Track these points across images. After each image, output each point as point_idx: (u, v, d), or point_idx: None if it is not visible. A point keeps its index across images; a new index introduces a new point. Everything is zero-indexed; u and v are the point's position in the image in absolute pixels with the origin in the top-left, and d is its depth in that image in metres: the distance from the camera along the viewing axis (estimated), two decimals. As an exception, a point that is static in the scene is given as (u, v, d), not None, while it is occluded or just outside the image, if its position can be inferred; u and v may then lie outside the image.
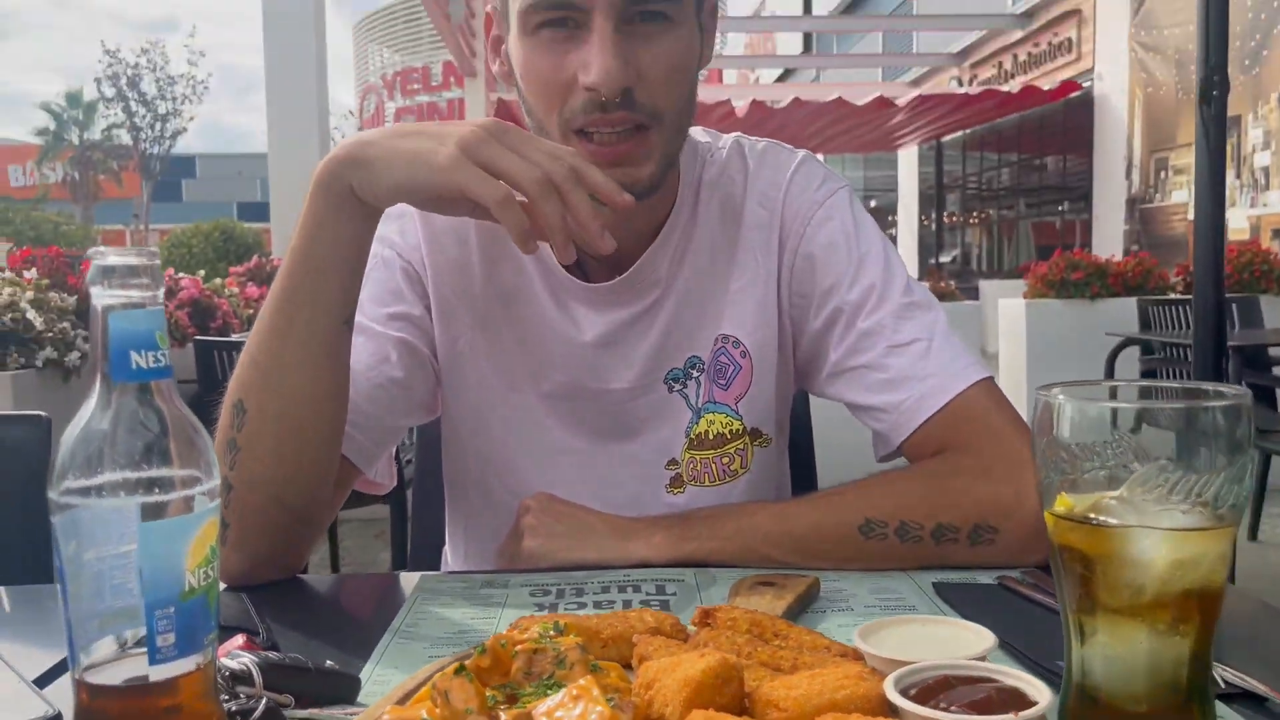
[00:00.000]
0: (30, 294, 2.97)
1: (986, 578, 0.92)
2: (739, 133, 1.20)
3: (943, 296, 7.23)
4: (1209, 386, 0.58)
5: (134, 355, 0.54)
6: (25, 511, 1.14)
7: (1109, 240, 11.17)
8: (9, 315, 2.83)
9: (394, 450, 1.13)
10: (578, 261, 1.11)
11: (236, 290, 4.91)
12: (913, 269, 12.97)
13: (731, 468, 1.13)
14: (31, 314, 2.88)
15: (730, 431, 1.12)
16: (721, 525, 0.98)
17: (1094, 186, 12.31)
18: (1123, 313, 5.28)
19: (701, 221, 1.12)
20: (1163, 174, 10.84)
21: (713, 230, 1.12)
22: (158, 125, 37.29)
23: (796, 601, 0.82)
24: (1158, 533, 0.55)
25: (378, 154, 0.89)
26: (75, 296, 3.19)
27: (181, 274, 4.50)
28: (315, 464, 0.95)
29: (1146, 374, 4.45)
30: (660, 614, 0.71)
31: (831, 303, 1.08)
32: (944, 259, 18.33)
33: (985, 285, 10.68)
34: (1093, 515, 0.57)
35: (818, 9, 24.84)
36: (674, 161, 1.05)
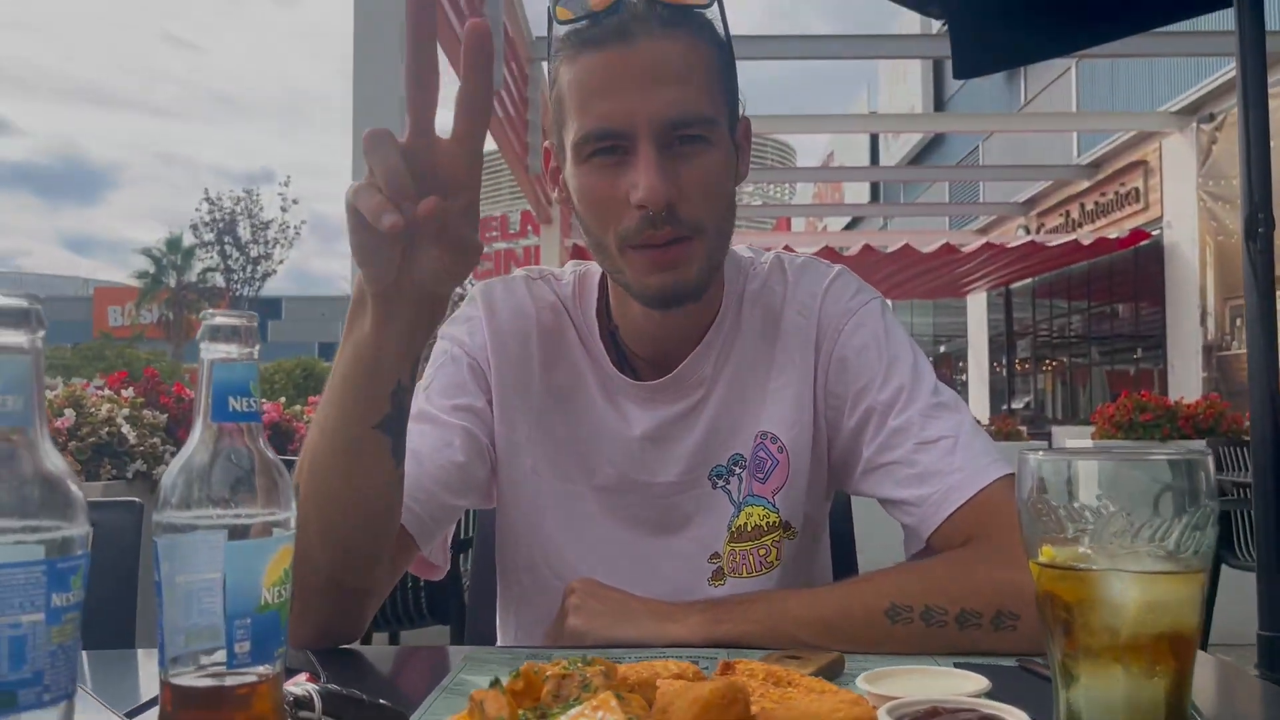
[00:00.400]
0: (126, 410, 3.19)
1: (1008, 661, 0.95)
2: (779, 249, 1.30)
3: (1008, 437, 7.17)
4: (1173, 447, 0.64)
5: (231, 400, 0.64)
6: (117, 586, 1.23)
7: (1187, 387, 10.99)
8: (106, 429, 3.04)
9: (449, 535, 1.21)
10: (629, 362, 1.21)
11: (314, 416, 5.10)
12: (984, 415, 12.87)
13: (768, 559, 1.19)
14: (126, 428, 3.08)
15: (767, 524, 1.19)
16: (754, 609, 1.03)
17: (1168, 334, 12.19)
18: (1195, 455, 5.19)
19: (744, 328, 1.21)
20: (1238, 321, 10.71)
21: (754, 336, 1.21)
22: (249, 268, 39.05)
23: (819, 671, 0.87)
24: (1127, 575, 0.61)
25: None
26: (166, 415, 3.39)
27: (263, 400, 4.71)
28: (363, 550, 1.00)
29: (1220, 515, 4.36)
30: (684, 664, 0.76)
31: (864, 403, 1.16)
32: (1016, 405, 18.11)
33: (1057, 430, 10.55)
34: (1070, 562, 0.63)
35: (885, 160, 25.44)
36: (717, 267, 1.15)
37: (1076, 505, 0.63)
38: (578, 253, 10.51)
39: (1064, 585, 0.63)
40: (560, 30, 1.09)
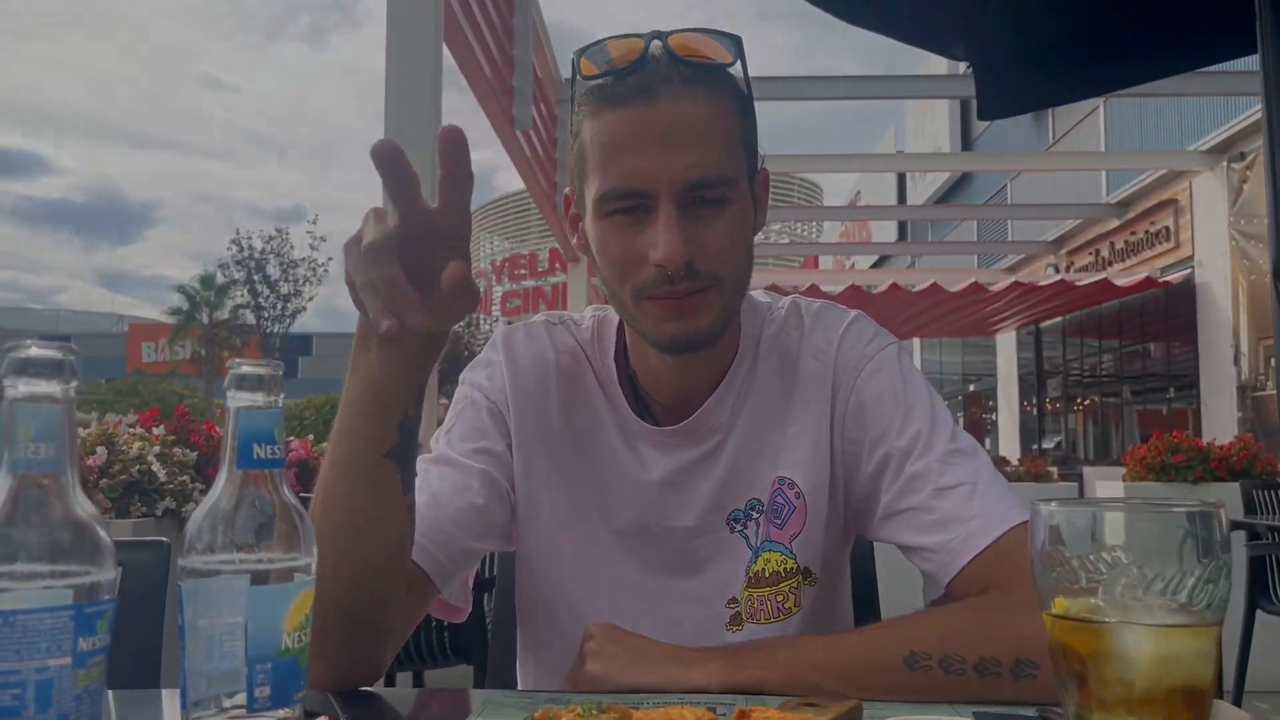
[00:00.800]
0: (157, 448, 3.23)
1: (1028, 711, 0.94)
2: (797, 295, 1.31)
3: (1038, 478, 7.09)
4: (1187, 498, 0.64)
5: (256, 447, 0.66)
6: (144, 626, 1.25)
7: (1221, 428, 10.84)
8: (136, 467, 3.08)
9: (470, 578, 1.22)
10: (647, 407, 1.22)
11: (342, 455, 5.13)
12: (1014, 455, 12.73)
13: (786, 605, 1.18)
14: (156, 466, 3.12)
15: (785, 570, 1.19)
16: (774, 655, 1.03)
17: (1200, 374, 12.06)
18: (1227, 497, 5.12)
19: (761, 373, 1.22)
20: (1272, 361, 10.57)
21: (771, 381, 1.22)
22: (279, 305, 39.43)
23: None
24: (1140, 628, 0.61)
25: None
26: (196, 453, 3.43)
27: (292, 437, 4.76)
28: (376, 584, 1.01)
29: (1254, 560, 4.28)
30: (700, 710, 0.77)
31: (881, 449, 1.16)
32: (1046, 445, 17.93)
33: (1088, 471, 10.42)
34: (1083, 614, 0.63)
35: (912, 199, 25.43)
36: (733, 315, 1.16)
37: (1089, 556, 0.63)
38: (605, 291, 10.55)
39: (1077, 637, 0.63)
40: (584, 84, 1.11)
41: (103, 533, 0.60)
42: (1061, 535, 0.64)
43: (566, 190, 1.21)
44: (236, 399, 0.66)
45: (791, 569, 1.18)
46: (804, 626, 1.18)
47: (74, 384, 0.60)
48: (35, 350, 0.58)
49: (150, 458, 3.17)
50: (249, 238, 39.42)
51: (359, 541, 0.98)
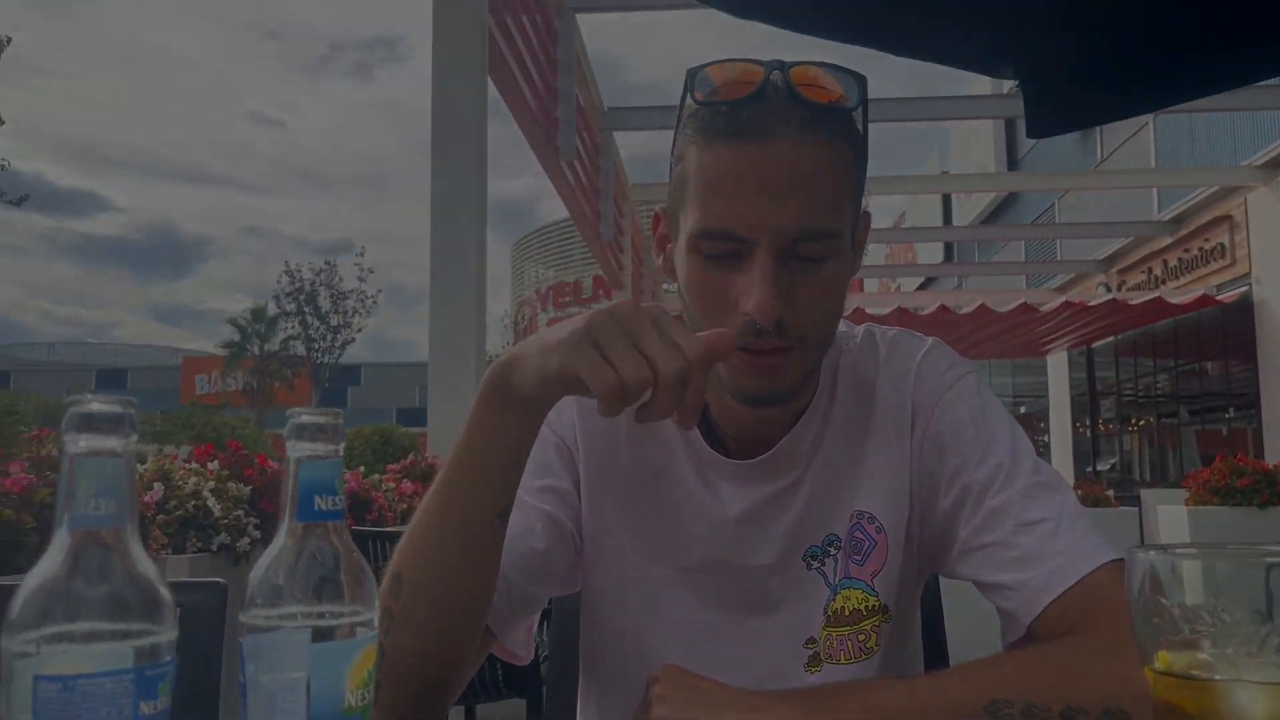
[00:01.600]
0: (212, 483, 3.26)
1: (1116, 762, 0.90)
2: (870, 323, 1.28)
3: (1095, 503, 6.94)
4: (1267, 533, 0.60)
5: (317, 499, 0.64)
6: (201, 668, 1.24)
7: (1283, 448, 10.57)
8: (192, 503, 3.11)
9: (534, 626, 1.19)
10: (718, 438, 1.18)
11: (393, 485, 5.16)
12: (1068, 478, 12.51)
13: (867, 645, 1.14)
14: (211, 501, 3.15)
15: (866, 608, 1.14)
16: (848, 700, 0.99)
17: (1261, 393, 11.78)
18: (1296, 522, 4.97)
19: (839, 405, 1.18)
20: (1336, 379, 10.30)
21: (849, 413, 1.18)
22: (329, 336, 40.00)
23: (915, 773, 0.83)
24: (1253, 687, 0.57)
25: (527, 349, 0.96)
26: (250, 487, 3.46)
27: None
28: (459, 642, 1.00)
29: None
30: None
31: (960, 481, 1.11)
32: (1101, 467, 17.58)
33: (1147, 494, 10.18)
34: (1190, 670, 0.59)
35: (958, 219, 25.19)
36: (815, 370, 1.12)
37: (1193, 607, 0.59)
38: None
39: (1182, 694, 0.59)
40: (693, 104, 1.04)
41: (164, 590, 0.58)
42: (1162, 584, 0.60)
43: (659, 207, 1.17)
44: (296, 449, 0.64)
45: (874, 607, 1.14)
46: (883, 666, 1.14)
47: (134, 438, 0.58)
48: (96, 405, 0.57)
49: (205, 493, 3.20)
50: (298, 270, 40.10)
51: (452, 600, 0.98)
